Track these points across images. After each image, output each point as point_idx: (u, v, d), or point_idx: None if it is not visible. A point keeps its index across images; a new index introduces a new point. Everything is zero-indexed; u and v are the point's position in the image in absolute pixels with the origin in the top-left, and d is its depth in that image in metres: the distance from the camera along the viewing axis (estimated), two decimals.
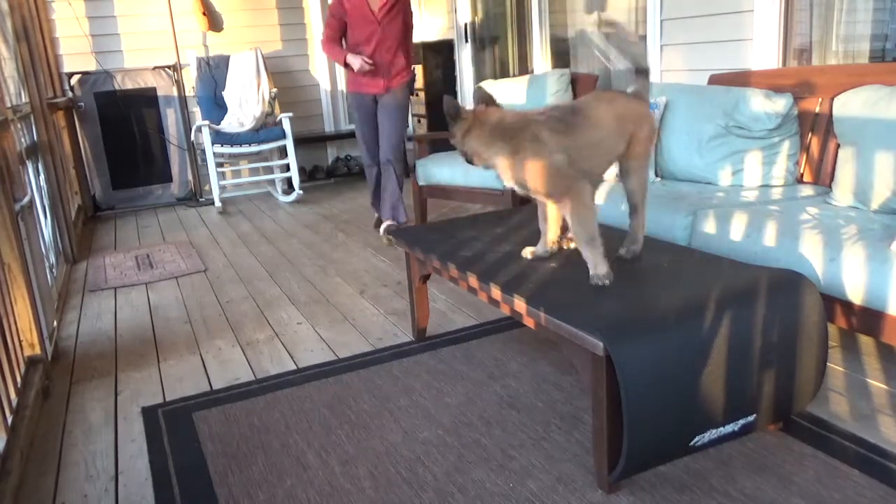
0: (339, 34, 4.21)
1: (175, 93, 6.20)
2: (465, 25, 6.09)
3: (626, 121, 2.12)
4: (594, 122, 2.09)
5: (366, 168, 4.50)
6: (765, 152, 2.97)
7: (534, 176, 2.02)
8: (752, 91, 3.01)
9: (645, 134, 2.16)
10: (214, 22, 6.33)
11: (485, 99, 2.17)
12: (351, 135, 6.88)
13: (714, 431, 1.76)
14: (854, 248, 2.11)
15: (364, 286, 3.62)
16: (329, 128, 6.96)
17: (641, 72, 2.24)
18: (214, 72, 6.07)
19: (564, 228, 2.27)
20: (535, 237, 2.43)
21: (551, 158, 2.00)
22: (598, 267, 2.01)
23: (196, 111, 6.15)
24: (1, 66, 3.65)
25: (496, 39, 6.19)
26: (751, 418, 1.82)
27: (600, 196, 3.12)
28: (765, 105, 2.93)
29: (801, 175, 3.00)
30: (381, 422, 2.22)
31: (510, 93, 4.38)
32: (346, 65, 4.19)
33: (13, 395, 2.30)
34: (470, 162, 2.14)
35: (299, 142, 6.15)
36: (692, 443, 1.75)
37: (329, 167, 6.91)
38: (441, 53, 6.23)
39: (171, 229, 5.38)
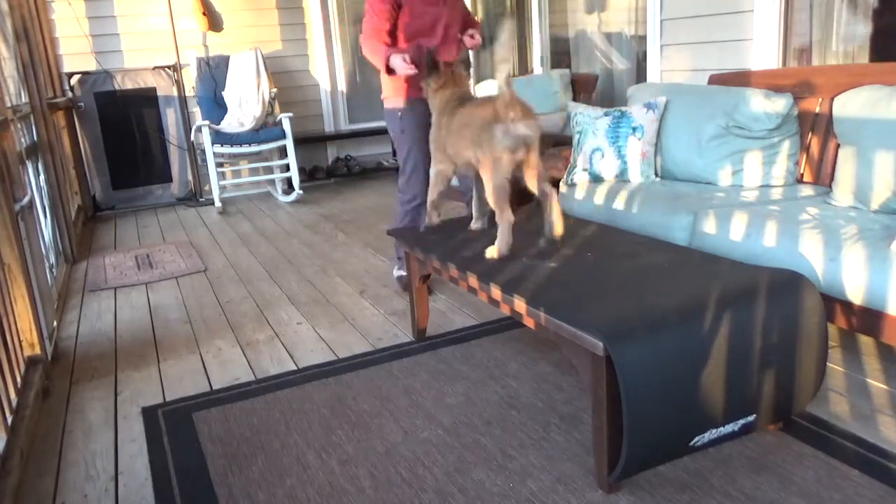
0: (390, 23, 2.98)
1: (175, 93, 6.20)
2: None
3: (468, 127, 2.34)
4: (452, 119, 2.47)
5: (409, 209, 3.27)
6: (765, 152, 2.97)
7: None
8: (752, 91, 3.01)
9: (482, 146, 2.25)
10: (214, 22, 6.33)
11: (465, 64, 2.71)
12: (351, 135, 6.88)
13: (714, 431, 1.76)
14: (854, 248, 2.12)
15: (364, 286, 3.61)
16: (329, 128, 6.96)
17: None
18: (214, 72, 6.07)
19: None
20: (533, 236, 2.43)
21: (431, 129, 2.60)
22: (428, 216, 2.74)
23: (196, 111, 6.15)
24: (1, 66, 3.65)
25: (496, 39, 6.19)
26: (751, 418, 1.82)
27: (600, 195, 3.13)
28: (765, 105, 2.93)
29: (801, 175, 3.00)
30: (381, 422, 2.22)
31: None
32: (384, 67, 2.98)
33: (13, 395, 2.30)
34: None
35: (299, 142, 6.15)
36: (692, 443, 1.75)
37: (329, 167, 6.91)
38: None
39: (171, 229, 5.38)
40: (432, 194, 2.73)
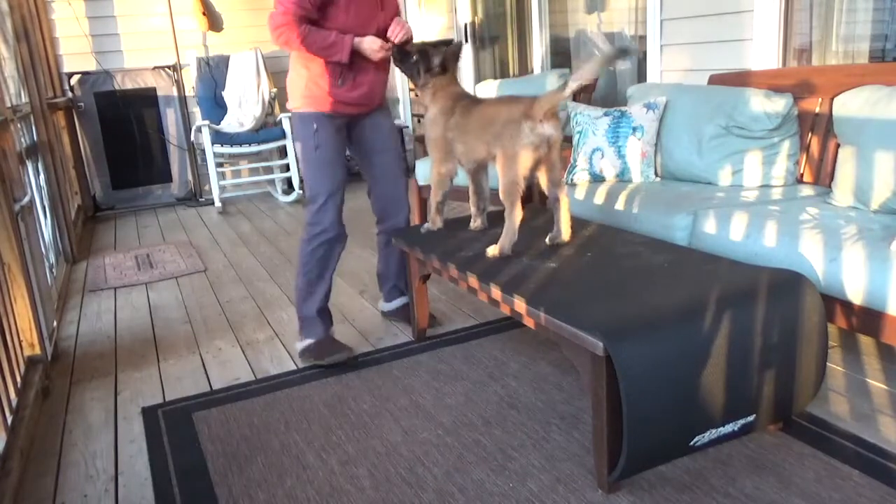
0: (314, 13, 2.48)
1: (175, 93, 6.20)
2: (465, 25, 6.09)
3: (492, 124, 2.34)
4: (466, 117, 2.45)
5: (319, 243, 2.68)
6: (765, 152, 2.97)
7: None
8: (752, 91, 3.01)
9: (504, 142, 2.29)
10: (214, 22, 6.33)
11: (456, 57, 2.61)
12: None
13: (714, 431, 1.76)
14: (854, 248, 2.11)
15: (364, 286, 3.61)
16: None
17: None
18: (214, 72, 6.07)
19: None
20: (534, 237, 2.43)
21: (431, 128, 2.55)
22: (432, 221, 2.69)
23: (196, 111, 6.15)
24: (1, 66, 3.65)
25: (496, 39, 6.19)
26: (751, 418, 1.82)
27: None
28: (765, 105, 2.93)
29: (801, 175, 2.99)
30: (381, 422, 2.22)
31: (510, 93, 4.37)
32: (348, 57, 2.50)
33: (13, 395, 2.30)
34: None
35: None
36: (692, 443, 1.75)
37: None
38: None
39: (171, 229, 5.38)
40: (437, 196, 2.67)
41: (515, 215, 2.30)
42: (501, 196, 2.32)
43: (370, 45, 2.52)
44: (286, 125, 5.86)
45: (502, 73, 6.13)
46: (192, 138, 6.10)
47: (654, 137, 3.26)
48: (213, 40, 6.35)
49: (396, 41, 2.59)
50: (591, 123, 3.34)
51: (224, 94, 6.03)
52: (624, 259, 2.22)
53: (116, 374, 2.76)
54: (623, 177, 3.30)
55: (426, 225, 2.73)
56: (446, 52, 2.59)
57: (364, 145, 2.81)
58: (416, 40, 2.76)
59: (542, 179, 2.36)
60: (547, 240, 2.40)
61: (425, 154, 4.37)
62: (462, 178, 2.71)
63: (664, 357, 1.66)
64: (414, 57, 2.55)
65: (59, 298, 3.65)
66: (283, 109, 6.22)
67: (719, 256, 2.19)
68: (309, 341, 2.72)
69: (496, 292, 2.07)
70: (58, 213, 4.37)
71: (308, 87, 2.65)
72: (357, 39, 2.50)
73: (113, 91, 5.99)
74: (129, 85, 6.05)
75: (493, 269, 2.21)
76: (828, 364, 2.08)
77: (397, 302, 3.06)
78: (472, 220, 2.73)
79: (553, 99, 2.23)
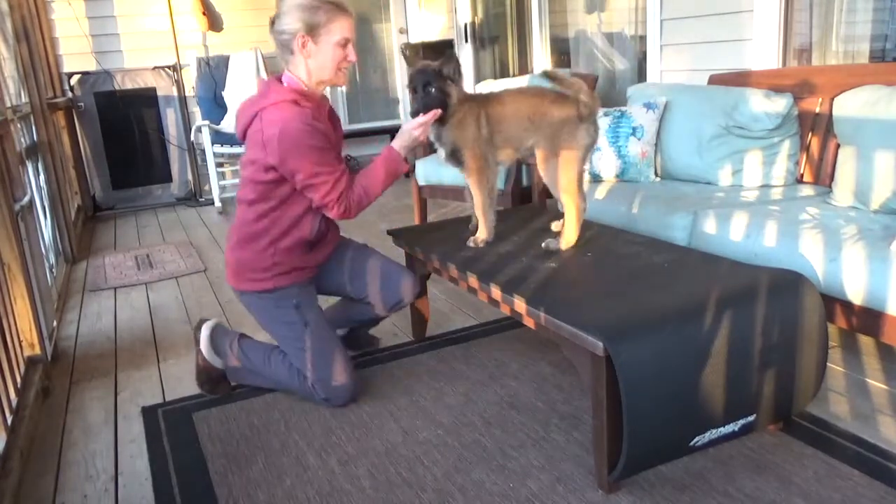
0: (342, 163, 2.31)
1: (175, 93, 6.20)
2: (465, 25, 6.09)
3: (538, 119, 2.32)
4: (500, 108, 2.39)
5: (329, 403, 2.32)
6: (765, 152, 2.97)
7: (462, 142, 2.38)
8: (752, 91, 3.01)
9: (546, 131, 2.30)
10: (214, 22, 6.33)
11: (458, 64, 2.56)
12: (351, 135, 6.84)
13: (714, 431, 1.76)
14: (854, 248, 2.12)
15: None
16: None
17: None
18: (214, 72, 6.07)
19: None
20: (534, 236, 2.43)
21: (463, 133, 2.36)
22: (481, 232, 2.47)
23: (196, 111, 6.15)
24: (1, 66, 3.65)
25: (496, 39, 6.20)
26: (751, 418, 1.82)
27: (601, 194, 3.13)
28: (765, 105, 2.93)
29: (801, 175, 3.00)
30: (381, 422, 2.22)
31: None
32: (403, 164, 2.37)
33: (13, 395, 2.30)
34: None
35: None
36: (692, 443, 1.75)
37: None
38: (441, 53, 6.23)
39: (171, 229, 5.37)
40: (490, 207, 2.47)
41: (579, 207, 2.35)
42: (561, 193, 2.33)
43: (409, 133, 2.31)
44: None
45: (502, 73, 6.13)
46: (192, 138, 6.10)
47: (654, 137, 3.26)
48: (213, 40, 6.35)
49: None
50: None
51: (224, 94, 6.03)
52: (624, 259, 2.22)
53: (116, 374, 2.76)
54: (623, 177, 3.30)
55: (473, 239, 2.50)
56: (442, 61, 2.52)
57: (331, 276, 2.53)
58: (415, 41, 2.72)
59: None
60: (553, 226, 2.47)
61: (425, 154, 4.38)
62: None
63: (664, 357, 1.66)
64: (435, 82, 2.38)
65: (59, 298, 3.65)
66: None
67: (719, 256, 2.19)
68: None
69: (496, 292, 2.07)
70: (58, 213, 4.36)
71: (276, 263, 2.30)
72: (398, 143, 2.32)
73: (113, 91, 5.99)
74: (129, 85, 6.05)
75: (493, 269, 2.21)
76: (828, 364, 2.08)
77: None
78: (472, 218, 2.71)
79: (597, 103, 2.32)
